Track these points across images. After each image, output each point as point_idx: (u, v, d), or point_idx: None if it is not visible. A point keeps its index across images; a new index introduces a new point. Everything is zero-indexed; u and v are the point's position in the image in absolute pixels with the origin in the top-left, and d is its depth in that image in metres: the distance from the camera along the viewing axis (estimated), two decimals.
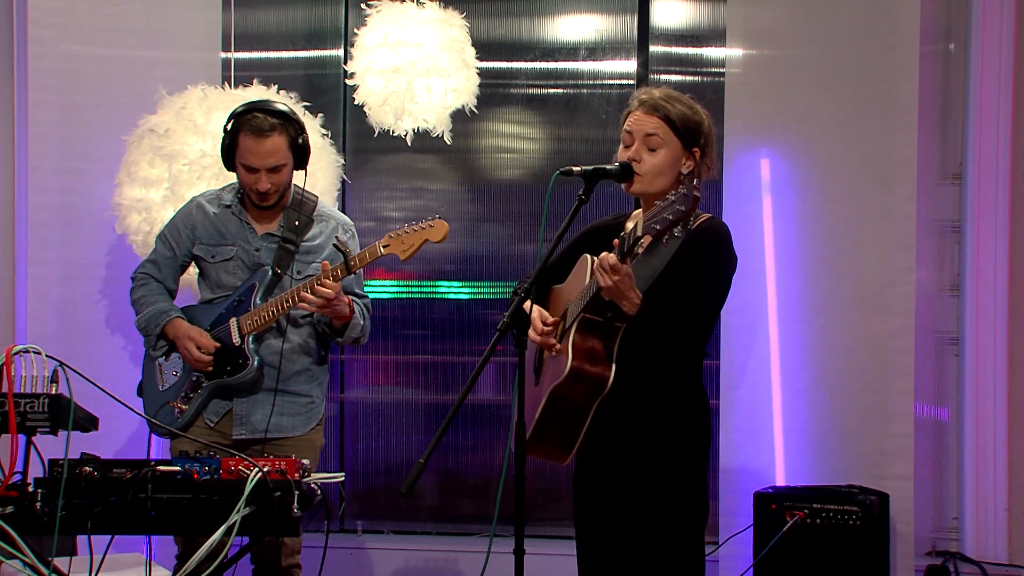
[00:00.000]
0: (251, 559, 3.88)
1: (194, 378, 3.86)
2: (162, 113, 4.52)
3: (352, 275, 3.74)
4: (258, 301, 3.80)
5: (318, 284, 3.65)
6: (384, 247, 3.67)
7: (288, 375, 3.88)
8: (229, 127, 3.80)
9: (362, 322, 3.90)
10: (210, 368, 3.82)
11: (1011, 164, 4.93)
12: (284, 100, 4.63)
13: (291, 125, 3.80)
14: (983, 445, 4.96)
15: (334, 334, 3.87)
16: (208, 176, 4.37)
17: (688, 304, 2.97)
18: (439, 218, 3.65)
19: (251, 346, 3.80)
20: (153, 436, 3.75)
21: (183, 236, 3.96)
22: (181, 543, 3.84)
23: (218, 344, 3.82)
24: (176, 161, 4.39)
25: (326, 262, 3.72)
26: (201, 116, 4.44)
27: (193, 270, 4.07)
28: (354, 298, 3.85)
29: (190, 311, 3.95)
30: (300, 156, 3.84)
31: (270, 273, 3.83)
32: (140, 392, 4.01)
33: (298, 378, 3.91)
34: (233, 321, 3.82)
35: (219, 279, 3.91)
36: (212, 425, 3.86)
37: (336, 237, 3.85)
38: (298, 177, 3.94)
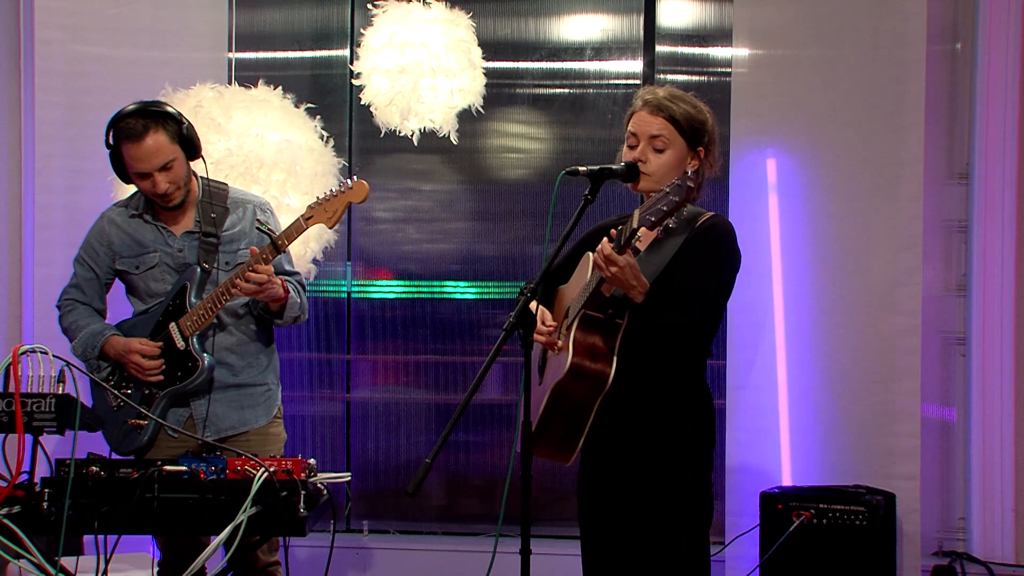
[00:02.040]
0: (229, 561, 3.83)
1: (146, 391, 3.76)
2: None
3: (281, 254, 3.68)
4: (193, 300, 3.72)
5: (249, 270, 3.58)
6: (307, 220, 3.61)
7: (239, 368, 3.83)
8: (111, 140, 3.73)
9: (299, 300, 3.82)
10: (161, 377, 3.73)
11: (1018, 163, 4.92)
12: (284, 100, 4.65)
13: (167, 120, 3.70)
14: (990, 445, 4.95)
15: (273, 316, 3.81)
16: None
17: (689, 302, 2.97)
18: (358, 178, 3.59)
19: (197, 346, 3.72)
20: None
21: (101, 255, 3.88)
22: (163, 549, 3.80)
23: (161, 345, 3.73)
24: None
25: (254, 247, 3.64)
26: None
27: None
28: (286, 277, 3.77)
29: (124, 326, 3.86)
30: (189, 147, 3.75)
31: (199, 270, 3.76)
32: (94, 425, 3.87)
33: (250, 370, 3.86)
34: (172, 326, 3.74)
35: (148, 288, 3.83)
36: (175, 437, 3.74)
37: (257, 220, 3.77)
38: (207, 170, 3.88)
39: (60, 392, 2.85)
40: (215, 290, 3.68)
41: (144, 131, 3.65)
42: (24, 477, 2.86)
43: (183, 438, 3.66)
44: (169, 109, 3.76)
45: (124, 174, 3.78)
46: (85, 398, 2.91)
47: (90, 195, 4.87)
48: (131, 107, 3.73)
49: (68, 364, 2.89)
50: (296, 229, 3.62)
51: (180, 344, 3.73)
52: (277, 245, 3.61)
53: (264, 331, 3.93)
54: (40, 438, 2.88)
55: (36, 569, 2.77)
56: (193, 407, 3.79)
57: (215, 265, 3.79)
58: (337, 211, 3.60)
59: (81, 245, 3.95)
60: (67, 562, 2.92)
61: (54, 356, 2.87)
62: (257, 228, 3.72)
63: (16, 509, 2.82)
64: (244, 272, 3.59)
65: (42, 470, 2.89)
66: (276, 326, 3.92)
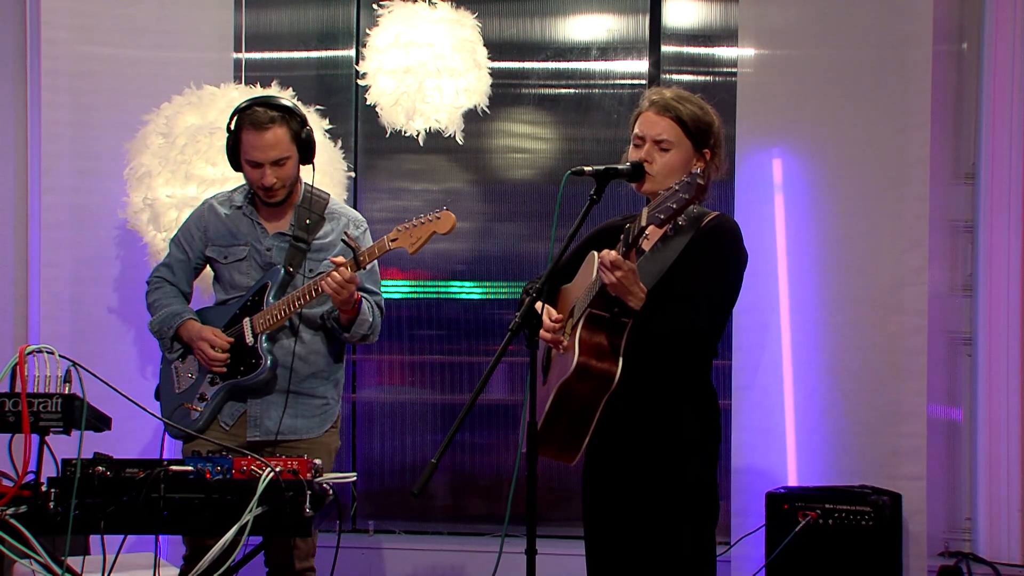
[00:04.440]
0: (265, 563, 3.87)
1: (209, 379, 3.87)
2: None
3: (363, 270, 3.73)
4: (271, 300, 3.80)
5: (327, 277, 3.64)
6: (392, 241, 3.66)
7: (302, 376, 3.88)
8: (232, 125, 3.81)
9: (370, 319, 3.87)
10: (225, 368, 3.82)
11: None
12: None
13: (292, 118, 3.79)
14: (996, 445, 4.95)
15: (342, 330, 3.86)
16: None
17: (694, 302, 2.97)
18: (446, 209, 3.63)
19: (264, 345, 3.80)
20: (167, 438, 3.76)
21: (196, 239, 3.97)
22: (189, 544, 3.84)
23: (232, 340, 3.82)
24: None
25: (340, 257, 3.70)
26: None
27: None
28: (365, 295, 3.83)
29: (204, 313, 3.95)
30: (305, 150, 3.83)
31: (282, 272, 3.83)
32: (157, 395, 4.02)
33: (312, 379, 3.91)
34: (246, 321, 3.82)
35: (232, 280, 3.91)
36: (227, 428, 3.86)
37: (345, 232, 3.82)
38: (313, 177, 3.93)
39: (66, 392, 2.86)
40: (292, 293, 3.75)
41: (270, 123, 3.74)
42: (30, 477, 2.87)
43: (232, 432, 3.82)
44: (295, 107, 3.84)
45: (236, 161, 3.85)
46: (91, 398, 2.90)
47: (96, 195, 4.89)
48: (262, 96, 3.88)
49: (75, 364, 2.89)
50: (380, 248, 3.68)
51: (250, 340, 3.81)
52: (358, 260, 3.65)
53: (335, 346, 3.98)
54: (46, 438, 2.88)
55: (42, 569, 2.77)
56: (249, 404, 3.86)
57: (299, 270, 3.86)
58: (422, 239, 3.63)
59: (180, 227, 4.05)
60: (73, 562, 2.92)
61: (60, 356, 2.87)
62: (343, 240, 3.77)
63: (22, 509, 2.82)
64: (327, 276, 3.63)
65: (48, 470, 2.89)
66: (345, 341, 3.96)
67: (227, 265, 3.92)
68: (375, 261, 3.79)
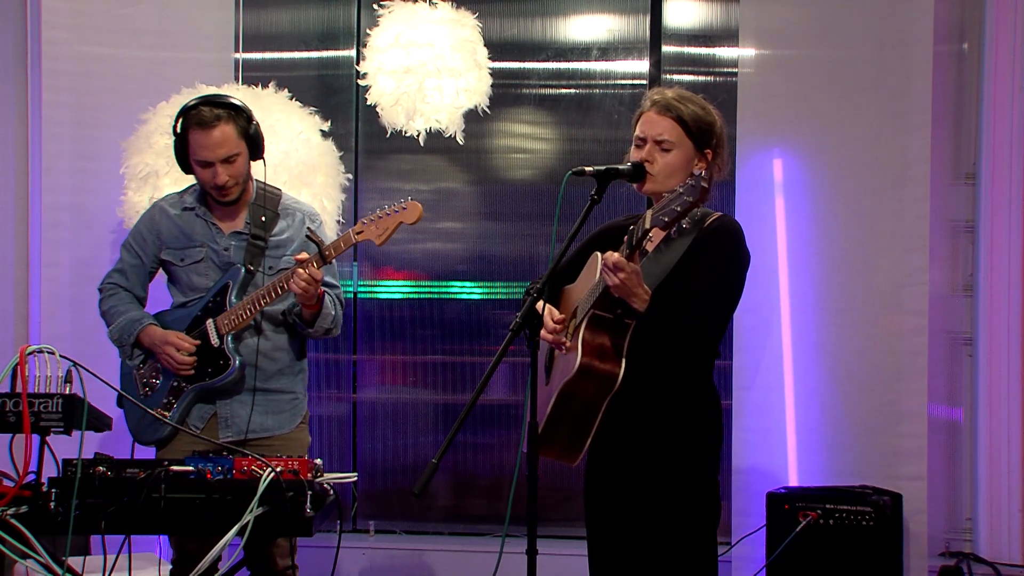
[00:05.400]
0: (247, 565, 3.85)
1: (175, 384, 3.80)
2: None
3: (327, 264, 3.69)
4: (234, 300, 3.75)
5: (294, 277, 3.60)
6: (358, 234, 3.63)
7: (269, 374, 3.85)
8: (178, 127, 3.77)
9: (333, 312, 3.85)
10: (192, 371, 3.77)
11: None
12: (290, 102, 4.66)
13: (239, 115, 3.76)
14: (997, 445, 4.94)
15: (305, 325, 3.83)
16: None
17: (696, 303, 2.97)
18: (412, 200, 3.60)
19: (231, 346, 3.76)
20: (136, 446, 3.75)
21: (148, 242, 3.91)
22: (176, 548, 3.82)
23: (198, 342, 3.76)
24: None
25: (303, 254, 3.66)
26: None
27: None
28: (326, 288, 3.79)
29: (163, 317, 3.89)
30: (253, 145, 3.80)
31: (243, 271, 3.79)
32: (120, 403, 3.88)
33: (280, 376, 3.88)
34: (210, 322, 3.77)
35: (190, 282, 3.86)
36: (198, 431, 3.77)
37: (308, 228, 3.80)
38: (265, 173, 3.90)
39: (67, 392, 2.86)
40: (256, 292, 3.72)
41: (216, 120, 3.71)
42: (31, 477, 2.87)
43: (204, 434, 3.73)
44: (241, 104, 3.80)
45: (185, 163, 3.81)
46: (92, 398, 2.91)
47: (97, 196, 4.89)
48: (204, 96, 3.81)
49: (75, 364, 2.89)
50: (345, 242, 3.65)
51: (215, 341, 3.76)
52: (324, 255, 3.64)
53: (298, 341, 3.96)
54: (47, 438, 2.89)
55: (43, 569, 2.77)
56: (219, 406, 3.82)
57: (259, 268, 3.83)
58: (388, 229, 3.61)
59: (131, 231, 4.00)
60: (74, 562, 2.92)
61: (61, 356, 2.87)
62: (307, 236, 3.74)
63: (23, 509, 2.82)
64: (293, 272, 3.61)
65: (49, 470, 2.89)
66: (308, 336, 3.93)
67: (184, 267, 3.87)
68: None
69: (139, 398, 3.82)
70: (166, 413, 3.77)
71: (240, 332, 3.79)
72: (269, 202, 3.89)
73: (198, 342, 3.77)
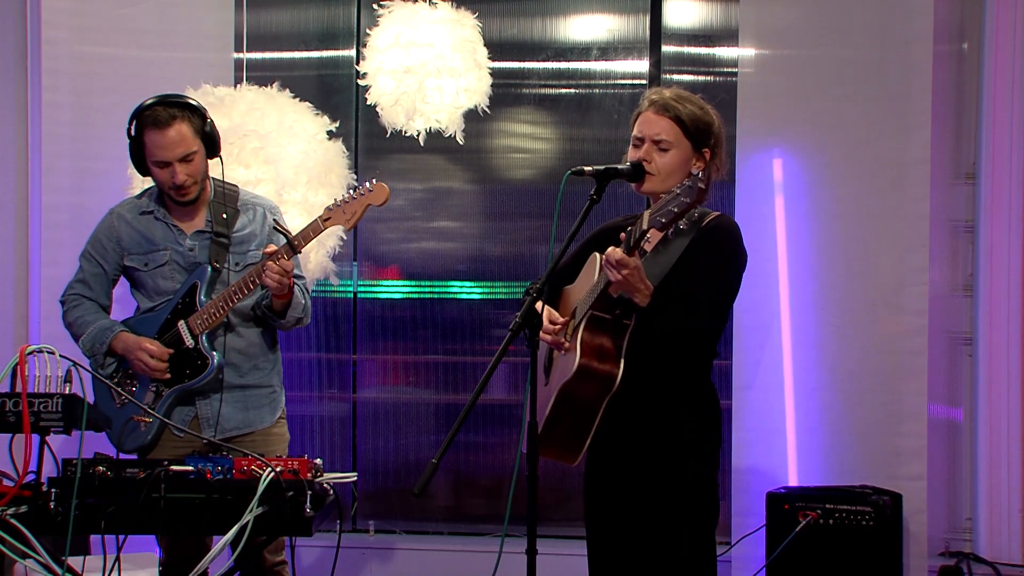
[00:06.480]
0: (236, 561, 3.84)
1: (153, 388, 3.77)
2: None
3: (297, 255, 3.67)
4: (203, 299, 3.73)
5: (270, 260, 3.58)
6: (325, 220, 3.62)
7: (245, 370, 3.85)
8: (133, 129, 3.74)
9: (304, 301, 3.85)
10: (167, 375, 3.74)
11: None
12: (300, 103, 4.66)
13: (194, 114, 3.74)
14: (996, 445, 4.94)
15: (276, 316, 3.82)
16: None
17: (694, 302, 2.97)
18: (378, 181, 3.60)
19: (206, 345, 3.73)
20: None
21: (109, 250, 3.89)
22: (165, 549, 3.80)
23: (171, 351, 3.74)
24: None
25: (271, 246, 3.64)
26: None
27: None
28: (293, 278, 3.76)
29: (131, 323, 3.86)
30: (210, 143, 3.78)
31: (209, 270, 3.77)
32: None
33: (256, 371, 3.88)
34: (182, 324, 3.74)
35: (156, 286, 3.84)
36: (181, 436, 3.74)
37: (275, 221, 3.80)
38: (223, 170, 3.89)
39: (67, 392, 2.86)
40: (226, 289, 3.70)
41: (170, 120, 3.68)
42: (31, 477, 2.87)
43: (188, 437, 3.65)
44: (195, 103, 3.78)
45: (142, 165, 3.78)
46: (91, 397, 2.91)
47: (97, 195, 4.87)
48: (157, 97, 3.76)
49: (75, 364, 2.89)
50: (313, 230, 3.63)
51: (189, 342, 3.73)
52: (293, 246, 3.62)
53: (270, 333, 3.95)
54: (47, 438, 2.89)
55: (43, 569, 2.77)
56: (199, 406, 3.80)
57: (225, 265, 3.80)
58: (356, 213, 3.60)
59: (88, 240, 3.96)
60: (74, 562, 2.92)
61: (61, 356, 2.87)
62: (274, 228, 3.75)
63: (23, 509, 2.83)
64: (265, 264, 3.59)
65: (49, 470, 2.90)
66: (279, 327, 3.92)
67: (149, 272, 3.84)
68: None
69: (115, 409, 3.79)
70: (146, 419, 3.73)
71: (213, 331, 3.77)
72: (228, 199, 3.87)
73: (171, 351, 3.74)
